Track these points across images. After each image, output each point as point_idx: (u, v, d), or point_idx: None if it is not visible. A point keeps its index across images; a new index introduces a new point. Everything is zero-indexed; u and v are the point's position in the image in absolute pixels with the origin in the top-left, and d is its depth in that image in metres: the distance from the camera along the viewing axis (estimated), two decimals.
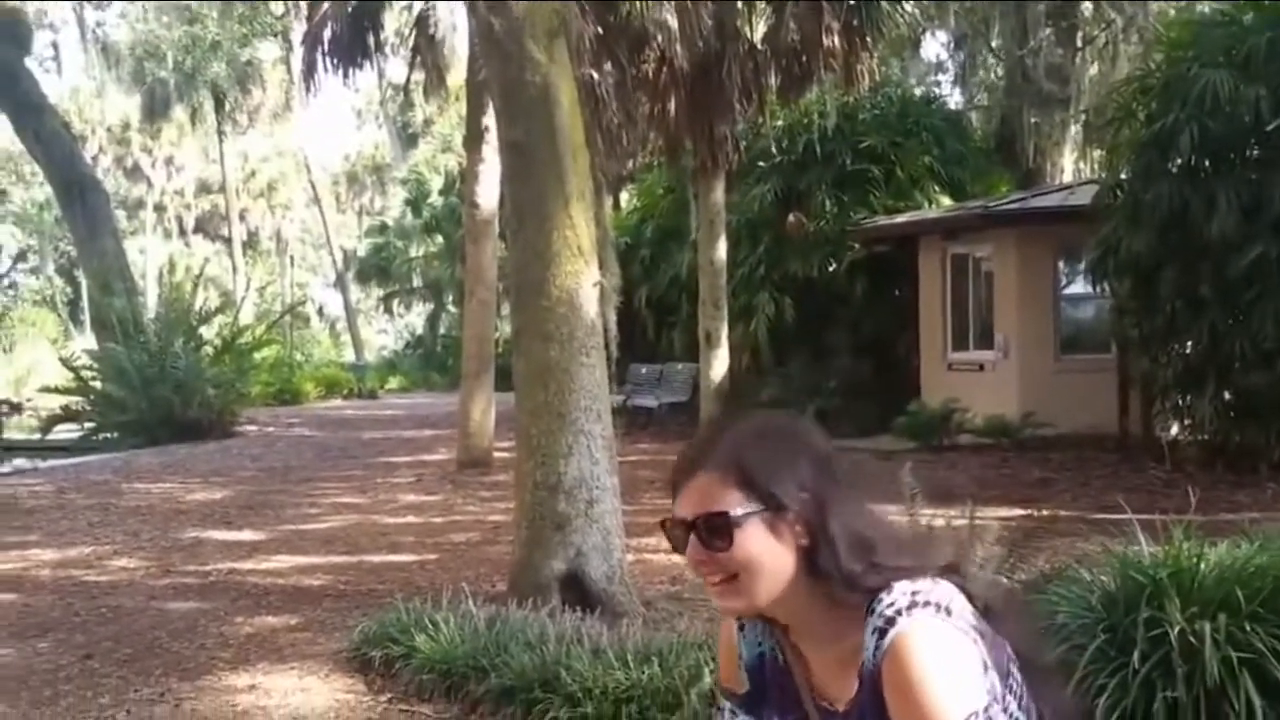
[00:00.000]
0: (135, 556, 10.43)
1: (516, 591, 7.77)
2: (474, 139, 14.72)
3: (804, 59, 15.61)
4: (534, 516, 7.94)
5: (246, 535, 11.33)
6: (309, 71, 14.64)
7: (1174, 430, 13.85)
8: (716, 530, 1.80)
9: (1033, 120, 20.59)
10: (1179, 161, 12.91)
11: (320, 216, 47.44)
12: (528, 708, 5.80)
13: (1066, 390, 15.16)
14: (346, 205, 61.13)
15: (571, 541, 7.83)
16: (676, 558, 7.62)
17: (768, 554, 1.79)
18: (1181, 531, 4.76)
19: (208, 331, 23.51)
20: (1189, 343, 13.16)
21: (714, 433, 1.94)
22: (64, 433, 22.05)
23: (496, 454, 15.27)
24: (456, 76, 18.58)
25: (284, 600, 8.63)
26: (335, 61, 14.55)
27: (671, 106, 15.45)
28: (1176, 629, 4.28)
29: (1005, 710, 1.69)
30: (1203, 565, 4.60)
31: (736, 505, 1.79)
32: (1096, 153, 25.12)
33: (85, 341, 30.75)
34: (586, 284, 7.99)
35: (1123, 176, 13.74)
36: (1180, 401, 13.56)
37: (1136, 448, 14.18)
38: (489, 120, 14.35)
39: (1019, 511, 10.58)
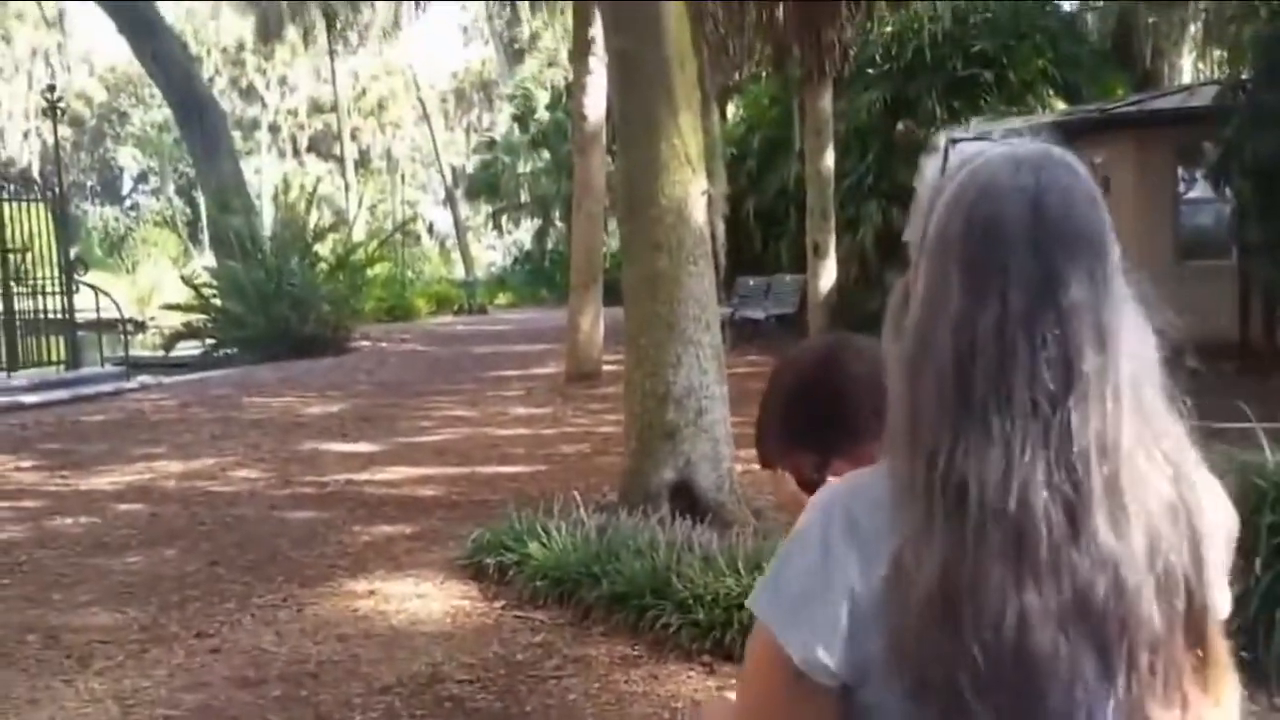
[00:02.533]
0: (256, 468, 10.74)
1: (626, 500, 7.84)
2: (581, 51, 14.64)
3: None
4: (643, 426, 7.98)
5: (362, 447, 11.59)
6: None
7: None
8: None
9: (1150, 20, 19.81)
10: None
11: (429, 134, 47.70)
12: (639, 614, 5.88)
13: (1185, 297, 14.56)
14: (455, 123, 61.41)
15: (681, 450, 7.86)
16: None
17: None
18: None
19: (322, 249, 23.89)
20: None
21: None
22: (186, 349, 22.69)
23: (605, 367, 15.36)
24: None
25: (399, 510, 8.83)
26: None
27: (779, 13, 15.18)
28: None
29: None
30: None
31: None
32: (1216, 52, 24.20)
33: (205, 260, 31.47)
34: (694, 193, 7.93)
35: (1244, 76, 13.18)
36: None
37: (1258, 355, 13.76)
38: (595, 32, 14.26)
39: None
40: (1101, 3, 21.50)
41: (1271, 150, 12.12)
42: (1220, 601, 1.24)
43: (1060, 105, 18.04)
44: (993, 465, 1.12)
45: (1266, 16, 12.72)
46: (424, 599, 6.65)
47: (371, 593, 6.78)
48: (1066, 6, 21.88)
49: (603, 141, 14.95)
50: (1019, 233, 1.15)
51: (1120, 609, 1.12)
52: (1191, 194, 16.23)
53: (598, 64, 14.35)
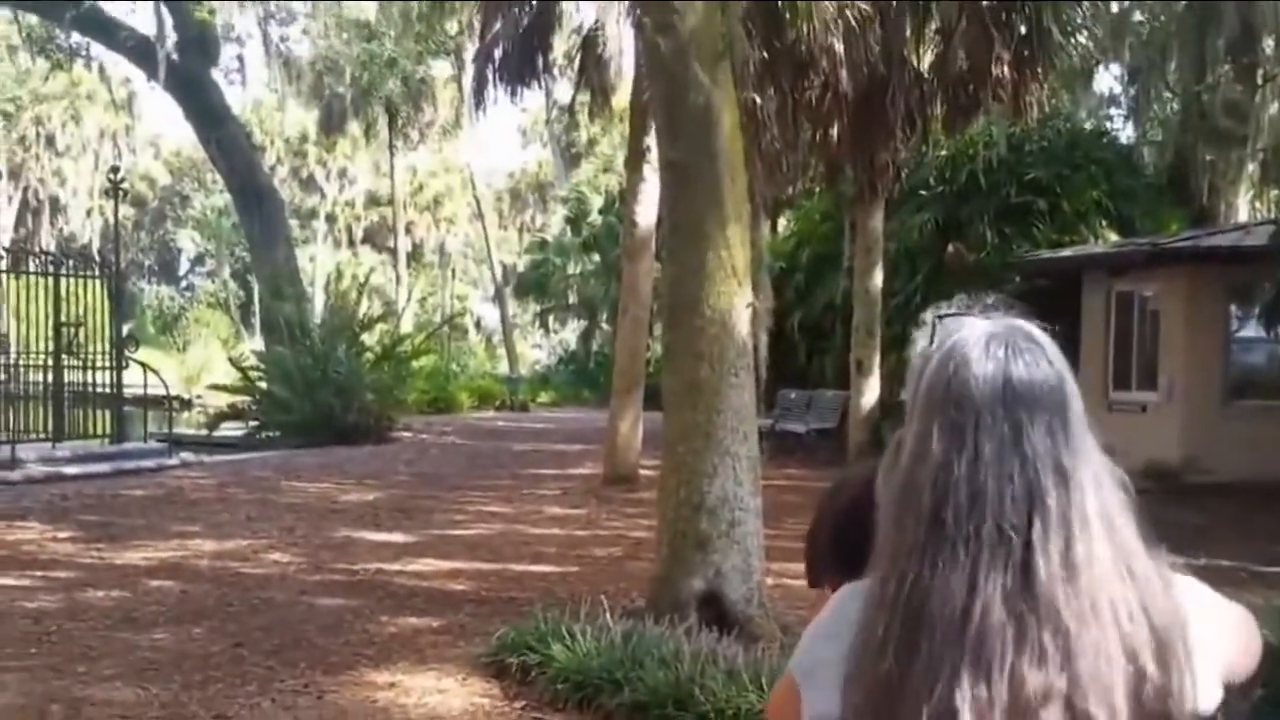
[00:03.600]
0: (289, 552, 10.77)
1: (655, 608, 7.78)
2: (635, 159, 14.87)
3: (971, 88, 15.35)
4: (676, 534, 7.96)
5: (396, 537, 11.60)
6: (479, 89, 14.99)
7: None
8: None
9: (1207, 158, 19.90)
10: None
11: (483, 231, 48.37)
12: None
13: (1233, 437, 14.59)
14: (509, 221, 62.21)
15: (712, 561, 7.82)
16: None
17: None
18: None
19: (369, 339, 24.15)
20: None
21: None
22: (229, 430, 22.91)
23: (642, 471, 15.34)
24: (621, 98, 18.78)
25: (427, 602, 8.82)
26: (505, 79, 14.88)
27: (834, 132, 15.37)
28: None
29: None
30: None
31: None
32: (1273, 193, 24.22)
33: (254, 344, 31.90)
34: (739, 305, 7.99)
35: None
36: None
37: None
38: (650, 141, 14.49)
39: (1173, 559, 10.19)
40: (1159, 138, 21.64)
41: None
42: (1201, 697, 1.39)
43: (1113, 236, 18.09)
44: (957, 583, 1.32)
45: None
46: (444, 694, 6.62)
47: (393, 685, 6.75)
48: (1123, 140, 22.05)
49: (651, 248, 15.11)
50: (990, 396, 1.37)
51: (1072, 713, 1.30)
52: (1243, 332, 16.16)
53: (651, 172, 14.54)
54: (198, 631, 7.89)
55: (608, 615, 6.94)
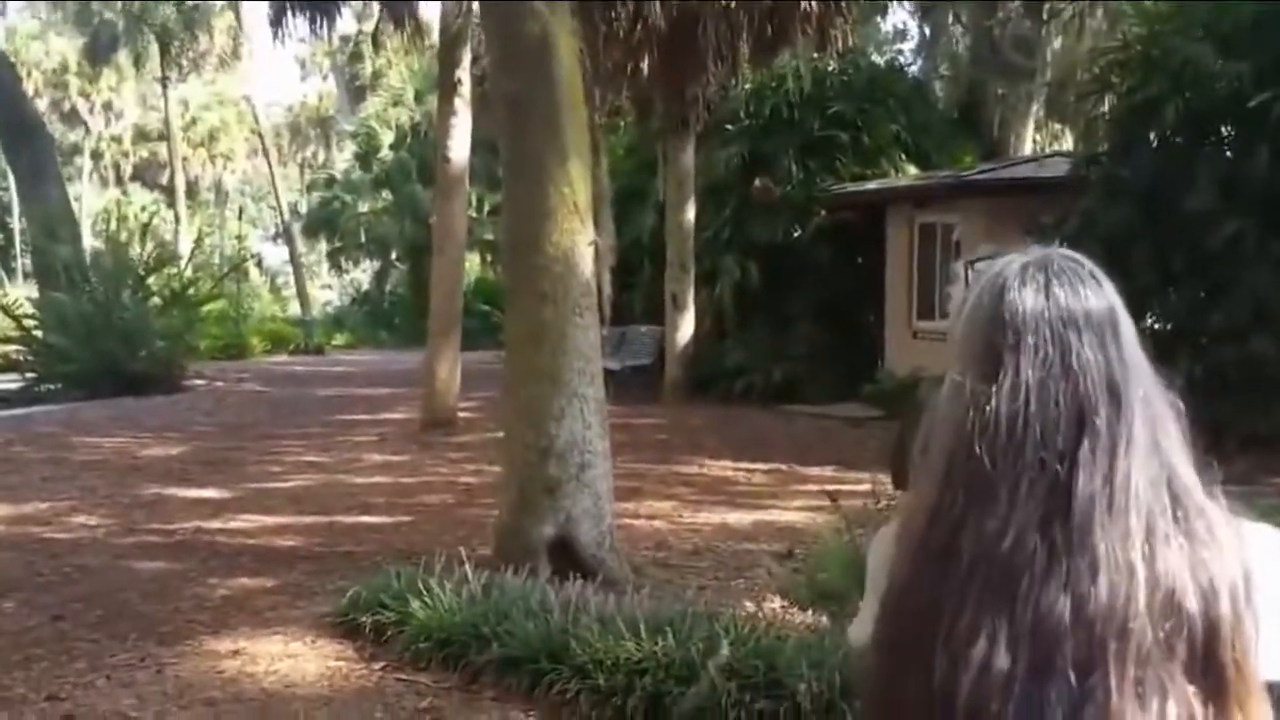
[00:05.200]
0: (95, 513, 10.08)
1: (503, 556, 7.58)
2: (445, 92, 14.34)
3: (779, 21, 15.38)
4: (524, 480, 7.75)
5: (210, 493, 11.01)
6: (278, 16, 14.12)
7: None
8: None
9: (999, 91, 20.52)
10: (1158, 135, 12.87)
11: (268, 168, 46.44)
12: (535, 678, 5.62)
13: None
14: (289, 157, 60.09)
15: (562, 506, 7.65)
16: (657, 524, 7.49)
17: None
18: None
19: (154, 282, 22.88)
20: (1161, 318, 13.17)
21: None
22: (4, 383, 21.40)
23: (461, 414, 15.02)
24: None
25: (257, 561, 8.37)
26: (305, 7, 14.06)
27: (644, 65, 15.16)
28: None
29: None
30: None
31: None
32: (1055, 126, 25.27)
33: (19, 291, 29.90)
34: (582, 243, 7.77)
35: (1100, 150, 13.68)
36: None
37: None
38: (462, 73, 14.03)
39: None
40: (949, 73, 22.21)
41: (1124, 220, 12.56)
42: (1267, 659, 1.26)
43: (912, 169, 18.47)
44: (990, 517, 1.23)
45: (1123, 93, 13.19)
46: (295, 659, 6.26)
47: (237, 652, 6.35)
48: (916, 74, 22.50)
49: (465, 184, 14.68)
50: (1032, 318, 1.27)
51: (1104, 632, 1.19)
52: None
53: (463, 105, 14.10)
54: (8, 605, 7.29)
55: (466, 567, 6.66)
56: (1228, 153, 12.57)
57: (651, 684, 5.31)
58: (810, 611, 6.53)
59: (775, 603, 6.98)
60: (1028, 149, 21.52)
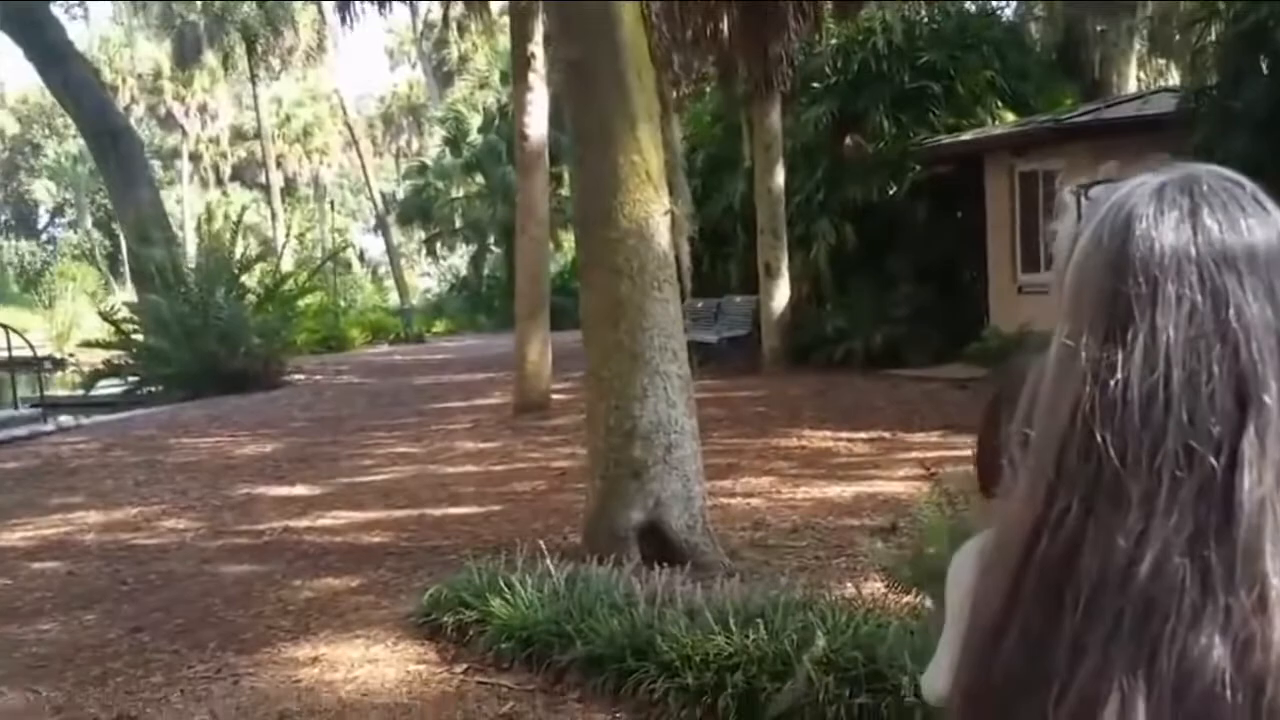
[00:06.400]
0: (185, 516, 9.97)
1: (591, 544, 7.28)
2: (520, 67, 14.00)
3: None
4: (609, 464, 7.42)
5: (300, 490, 10.86)
6: (345, 5, 13.91)
7: None
8: None
9: (1099, 29, 19.61)
10: (1270, 61, 12.08)
11: (359, 160, 46.78)
12: (620, 677, 5.30)
13: None
14: (383, 148, 60.62)
15: (650, 490, 7.31)
16: (754, 501, 6.97)
17: None
18: None
19: (249, 280, 23.00)
20: None
21: None
22: (107, 388, 21.68)
23: (555, 396, 14.73)
24: (498, 6, 17.82)
25: (344, 560, 8.15)
26: None
27: (724, 26, 14.69)
28: None
29: None
30: None
31: None
32: (1160, 62, 24.18)
33: (125, 295, 30.40)
34: (657, 212, 7.39)
35: (1210, 82, 12.90)
36: None
37: None
38: (535, 47, 13.70)
39: None
40: (1044, 13, 21.32)
41: (1243, 153, 11.80)
42: None
43: (1009, 117, 17.73)
44: (1120, 531, 0.88)
45: (1229, 20, 12.40)
46: (375, 664, 6.00)
47: (316, 659, 6.10)
48: (1009, 13, 21.64)
49: (545, 163, 14.37)
50: (1172, 256, 0.91)
51: (1276, 693, 0.85)
52: None
53: (538, 81, 13.78)
54: (90, 618, 7.13)
55: (548, 560, 6.33)
56: None
57: (743, 680, 4.96)
58: (914, 594, 6.08)
59: (877, 584, 6.54)
60: (1131, 88, 20.58)
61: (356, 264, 55.74)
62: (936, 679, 1.15)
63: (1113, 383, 0.91)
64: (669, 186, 7.91)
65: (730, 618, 5.31)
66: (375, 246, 57.42)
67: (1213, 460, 0.88)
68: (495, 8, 15.14)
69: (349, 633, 6.50)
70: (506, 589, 6.13)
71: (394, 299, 41.83)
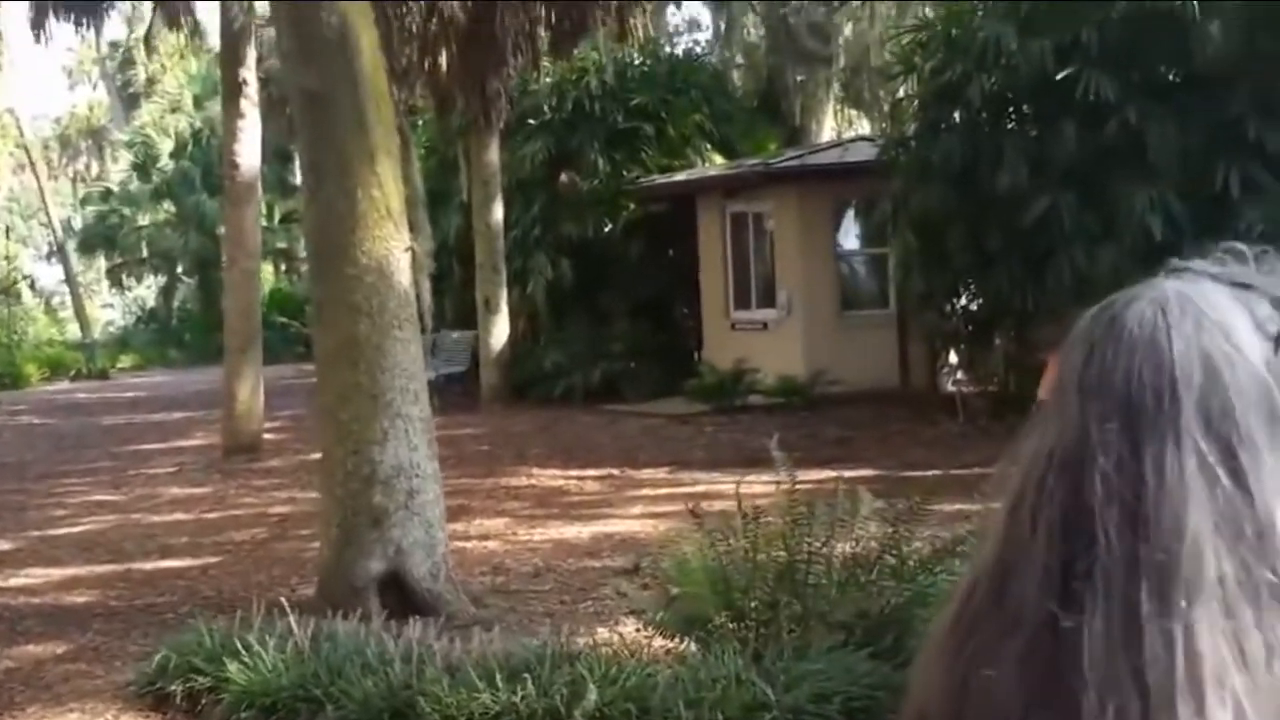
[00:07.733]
0: None
1: (326, 597, 6.95)
2: (231, 94, 13.34)
3: (577, 11, 14.94)
4: (346, 511, 7.10)
5: None
6: (39, 21, 12.86)
7: (959, 384, 13.92)
8: None
9: (798, 78, 20.50)
10: (965, 116, 12.89)
11: (37, 183, 43.64)
12: None
13: (849, 346, 15.09)
14: (59, 171, 56.82)
15: (391, 538, 7.04)
16: (491, 545, 6.78)
17: None
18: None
19: None
20: (978, 296, 13.24)
21: None
22: None
23: (267, 436, 14.06)
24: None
25: (45, 624, 7.46)
26: (68, 10, 12.83)
27: (443, 60, 14.49)
28: None
29: None
30: None
31: None
32: (851, 112, 25.52)
33: None
34: (397, 249, 7.16)
35: (907, 132, 13.65)
36: (968, 354, 13.67)
37: (922, 402, 14.22)
38: (247, 72, 13.11)
39: (830, 474, 10.27)
40: (746, 62, 22.10)
41: (935, 203, 12.51)
42: None
43: (718, 159, 18.25)
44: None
45: (927, 74, 13.14)
46: None
47: None
48: (714, 60, 22.27)
49: (258, 191, 13.74)
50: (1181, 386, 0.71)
51: None
52: (848, 246, 16.74)
53: (250, 107, 13.17)
54: None
55: (290, 617, 5.95)
56: (1033, 131, 12.65)
57: None
58: (675, 639, 6.05)
59: (629, 627, 6.48)
60: (827, 135, 21.56)
61: (28, 294, 51.91)
62: None
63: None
64: (409, 223, 7.68)
65: (495, 673, 5.13)
66: (49, 275, 53.70)
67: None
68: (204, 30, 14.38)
69: (61, 706, 5.94)
70: (244, 650, 5.72)
71: (73, 331, 39.15)
